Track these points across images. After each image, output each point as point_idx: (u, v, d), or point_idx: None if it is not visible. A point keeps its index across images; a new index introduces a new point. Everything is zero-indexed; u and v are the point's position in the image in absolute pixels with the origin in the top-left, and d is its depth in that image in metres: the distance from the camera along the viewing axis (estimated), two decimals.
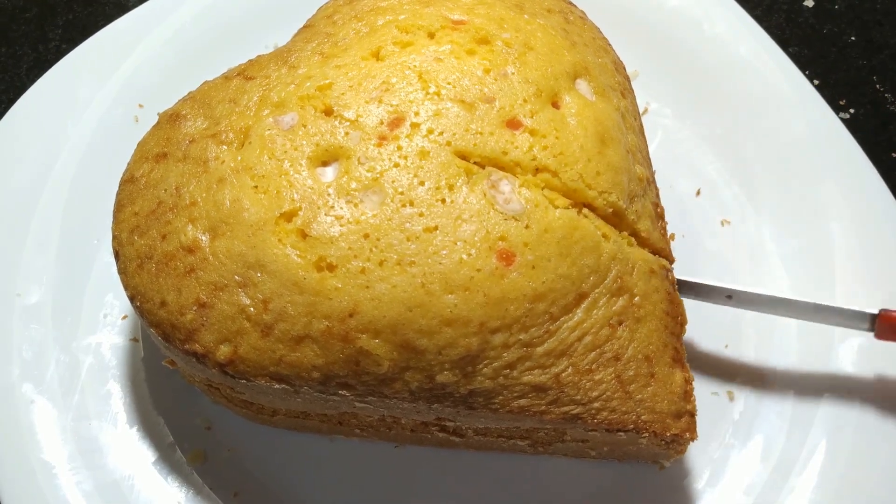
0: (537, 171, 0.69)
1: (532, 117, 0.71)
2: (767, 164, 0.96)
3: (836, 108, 1.07)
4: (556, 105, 0.73)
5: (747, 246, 0.93)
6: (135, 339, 0.87)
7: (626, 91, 0.82)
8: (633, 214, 0.72)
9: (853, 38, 1.14)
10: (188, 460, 0.82)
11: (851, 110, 1.08)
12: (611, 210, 0.71)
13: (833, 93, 1.10)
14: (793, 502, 0.79)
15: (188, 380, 0.81)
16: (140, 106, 1.00)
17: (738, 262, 0.92)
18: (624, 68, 0.84)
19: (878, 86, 1.10)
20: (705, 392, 0.85)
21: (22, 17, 1.18)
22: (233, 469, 0.82)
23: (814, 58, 1.12)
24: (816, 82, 1.09)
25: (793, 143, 0.96)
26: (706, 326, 0.88)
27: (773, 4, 1.16)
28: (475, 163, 0.69)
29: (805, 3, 1.17)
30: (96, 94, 1.00)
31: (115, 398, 0.84)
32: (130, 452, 0.82)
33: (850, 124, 1.06)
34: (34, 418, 0.82)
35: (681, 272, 0.78)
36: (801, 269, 0.90)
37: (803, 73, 1.00)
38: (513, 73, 0.73)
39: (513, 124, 0.71)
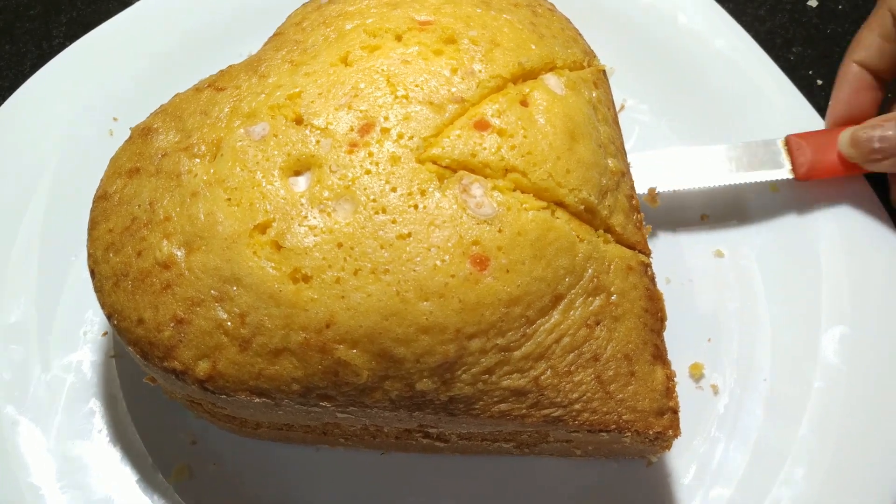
0: (506, 171, 0.69)
1: (500, 117, 0.70)
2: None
3: None
4: (524, 103, 0.72)
5: (727, 240, 0.93)
6: (116, 356, 0.87)
7: (599, 81, 0.81)
8: (606, 210, 0.72)
9: None
10: (173, 476, 0.82)
11: None
12: (583, 207, 0.70)
13: None
14: (781, 493, 0.79)
15: (170, 396, 0.81)
16: (115, 119, 0.99)
17: (718, 257, 0.92)
18: (594, 56, 0.83)
19: None
20: (689, 387, 0.85)
21: (26, 14, 1.18)
22: (219, 483, 0.82)
23: (817, 58, 1.11)
24: (820, 82, 1.08)
25: (768, 135, 0.95)
26: (688, 320, 0.88)
27: (777, 4, 1.15)
28: (446, 166, 0.69)
29: (809, 3, 1.16)
30: (69, 109, 0.99)
31: (98, 416, 0.84)
32: (115, 470, 0.81)
33: None
34: (18, 440, 0.82)
35: (660, 267, 0.77)
36: (782, 261, 0.90)
37: (806, 73, 0.99)
38: (480, 71, 0.72)
39: (481, 125, 0.70)
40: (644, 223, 0.76)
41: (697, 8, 1.03)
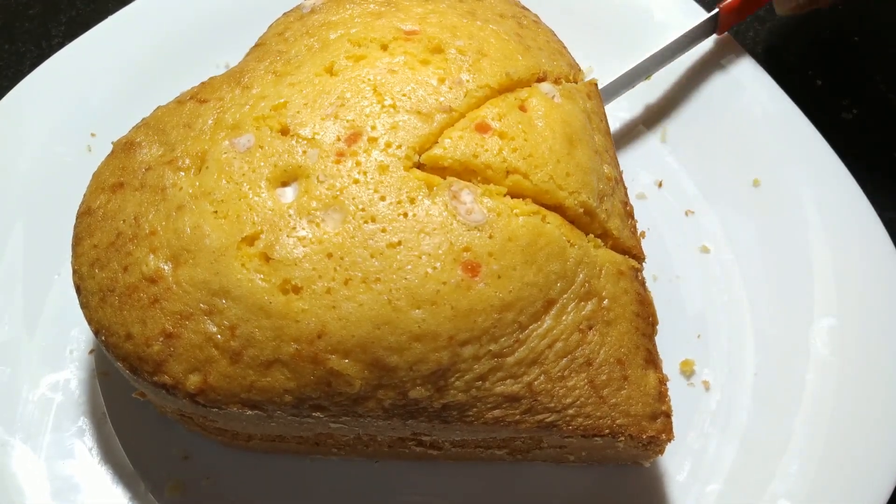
0: (508, 173, 0.69)
1: (500, 120, 0.71)
2: (725, 152, 0.97)
3: (839, 108, 1.08)
4: (523, 108, 0.73)
5: (711, 235, 0.93)
6: (104, 373, 0.86)
7: (592, 93, 0.82)
8: (604, 213, 0.72)
9: (856, 39, 1.15)
10: (167, 492, 0.81)
11: (854, 110, 1.08)
12: (582, 210, 0.71)
13: (836, 93, 1.09)
14: (776, 487, 0.79)
15: (160, 410, 0.80)
16: (92, 135, 0.98)
17: (703, 253, 0.93)
18: (580, 70, 0.84)
19: (881, 85, 1.10)
20: (681, 384, 0.85)
21: (25, 13, 1.19)
22: (213, 498, 0.81)
23: (817, 58, 1.11)
24: (820, 82, 1.09)
25: (748, 129, 0.96)
26: (677, 317, 0.88)
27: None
28: (444, 167, 0.69)
29: None
30: (46, 127, 0.98)
31: (88, 435, 0.83)
32: (107, 489, 0.81)
33: (853, 124, 1.06)
34: (8, 461, 0.81)
35: (646, 264, 0.78)
36: (767, 254, 0.91)
37: (806, 73, 1.00)
38: (468, 81, 0.72)
39: (482, 128, 0.70)
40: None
41: (673, 3, 1.04)
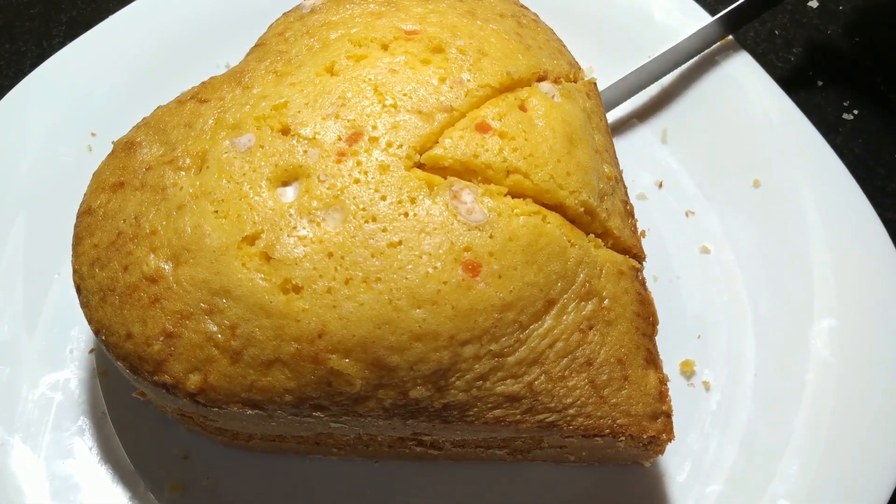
0: (508, 173, 0.69)
1: (500, 120, 0.71)
2: (725, 152, 0.97)
3: (840, 109, 1.08)
4: (523, 108, 0.73)
5: (711, 235, 0.93)
6: (104, 373, 0.86)
7: (592, 93, 0.82)
8: (604, 213, 0.73)
9: (857, 39, 1.15)
10: (167, 492, 0.81)
11: (855, 111, 1.08)
12: (583, 209, 0.71)
13: (837, 94, 1.10)
14: (775, 488, 0.79)
15: (160, 410, 0.80)
16: (93, 134, 0.98)
17: (704, 253, 0.93)
18: (580, 69, 0.84)
19: (882, 87, 1.10)
20: (681, 384, 0.85)
21: (26, 13, 1.19)
22: (213, 498, 0.81)
23: (818, 59, 1.12)
24: (820, 83, 1.09)
25: (748, 129, 0.97)
26: (677, 318, 0.88)
27: (778, 5, 1.17)
28: (444, 167, 0.69)
29: (809, 4, 1.17)
30: (46, 125, 0.98)
31: (88, 435, 0.83)
32: (107, 488, 0.81)
33: (855, 125, 1.06)
34: (8, 461, 0.81)
35: (646, 265, 0.78)
36: (767, 255, 0.91)
37: (807, 73, 1.00)
38: (469, 80, 0.72)
39: (482, 128, 0.70)
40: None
41: (672, 3, 1.04)
